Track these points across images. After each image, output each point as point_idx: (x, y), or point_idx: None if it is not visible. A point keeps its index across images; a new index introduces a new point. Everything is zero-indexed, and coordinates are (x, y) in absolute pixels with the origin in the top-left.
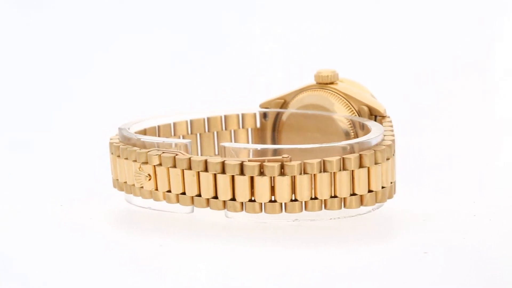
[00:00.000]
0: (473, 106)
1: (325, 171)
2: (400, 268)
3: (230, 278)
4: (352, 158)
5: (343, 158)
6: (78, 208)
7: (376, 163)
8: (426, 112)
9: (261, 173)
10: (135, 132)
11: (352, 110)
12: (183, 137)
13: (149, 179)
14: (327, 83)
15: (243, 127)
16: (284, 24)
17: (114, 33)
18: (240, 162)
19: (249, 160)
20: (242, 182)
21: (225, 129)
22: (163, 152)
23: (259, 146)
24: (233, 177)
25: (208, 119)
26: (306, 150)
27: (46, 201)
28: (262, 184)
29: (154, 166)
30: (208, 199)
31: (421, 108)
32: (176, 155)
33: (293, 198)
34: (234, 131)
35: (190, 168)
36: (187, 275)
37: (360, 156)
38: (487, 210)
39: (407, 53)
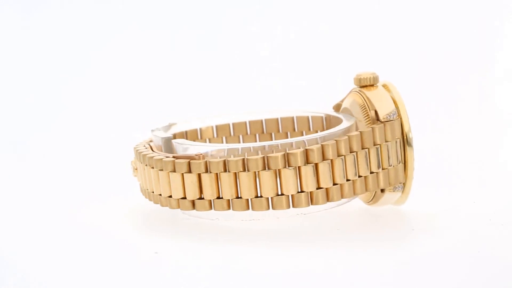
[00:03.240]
0: (474, 106)
1: (228, 170)
2: (400, 268)
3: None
4: (271, 157)
5: (247, 159)
6: (91, 209)
7: (308, 163)
8: (427, 112)
9: (174, 170)
10: (202, 128)
11: (368, 114)
12: (259, 136)
13: (137, 173)
14: (363, 86)
15: (312, 129)
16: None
17: (141, 38)
18: (161, 158)
19: (173, 157)
20: (163, 178)
21: (297, 130)
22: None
23: (204, 144)
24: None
25: (281, 119)
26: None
27: (60, 202)
28: (174, 180)
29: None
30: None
31: (421, 109)
32: (146, 149)
33: (201, 196)
34: (305, 133)
35: (146, 164)
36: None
37: (284, 156)
38: (487, 210)
39: (407, 52)
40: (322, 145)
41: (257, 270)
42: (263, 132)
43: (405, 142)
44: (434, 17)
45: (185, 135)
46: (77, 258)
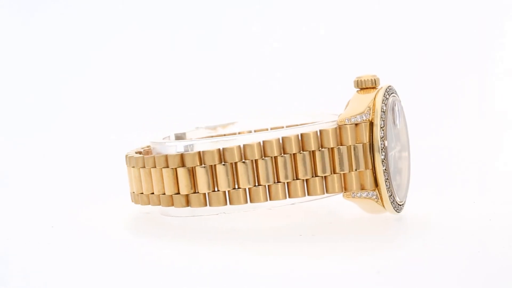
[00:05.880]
0: (474, 105)
1: (167, 166)
2: (399, 268)
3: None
4: (190, 154)
5: (168, 156)
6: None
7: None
8: (426, 113)
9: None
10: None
11: None
12: None
13: None
14: (363, 88)
15: None
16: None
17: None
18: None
19: (136, 152)
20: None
21: None
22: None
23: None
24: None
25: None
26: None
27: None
28: (129, 174)
29: None
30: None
31: (420, 109)
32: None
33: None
34: None
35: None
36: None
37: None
38: (487, 210)
39: (407, 52)
40: (244, 145)
41: (253, 271)
42: None
43: (373, 148)
44: (436, 18)
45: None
46: (76, 258)
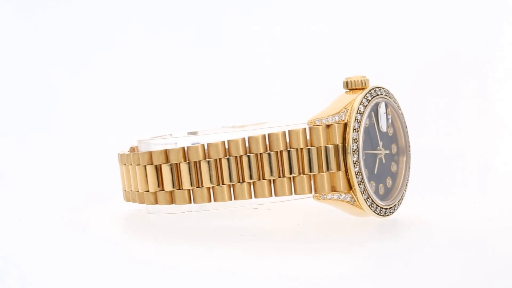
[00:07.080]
0: (474, 106)
1: (132, 164)
2: (399, 268)
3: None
4: (155, 153)
5: (151, 153)
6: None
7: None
8: (425, 114)
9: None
10: None
11: None
12: None
13: None
14: (351, 89)
15: None
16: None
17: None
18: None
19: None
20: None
21: None
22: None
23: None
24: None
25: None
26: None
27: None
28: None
29: None
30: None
31: (421, 109)
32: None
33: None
34: None
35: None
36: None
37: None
38: (487, 210)
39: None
40: (208, 144)
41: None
42: None
43: (346, 150)
44: (436, 18)
45: None
46: (74, 259)
